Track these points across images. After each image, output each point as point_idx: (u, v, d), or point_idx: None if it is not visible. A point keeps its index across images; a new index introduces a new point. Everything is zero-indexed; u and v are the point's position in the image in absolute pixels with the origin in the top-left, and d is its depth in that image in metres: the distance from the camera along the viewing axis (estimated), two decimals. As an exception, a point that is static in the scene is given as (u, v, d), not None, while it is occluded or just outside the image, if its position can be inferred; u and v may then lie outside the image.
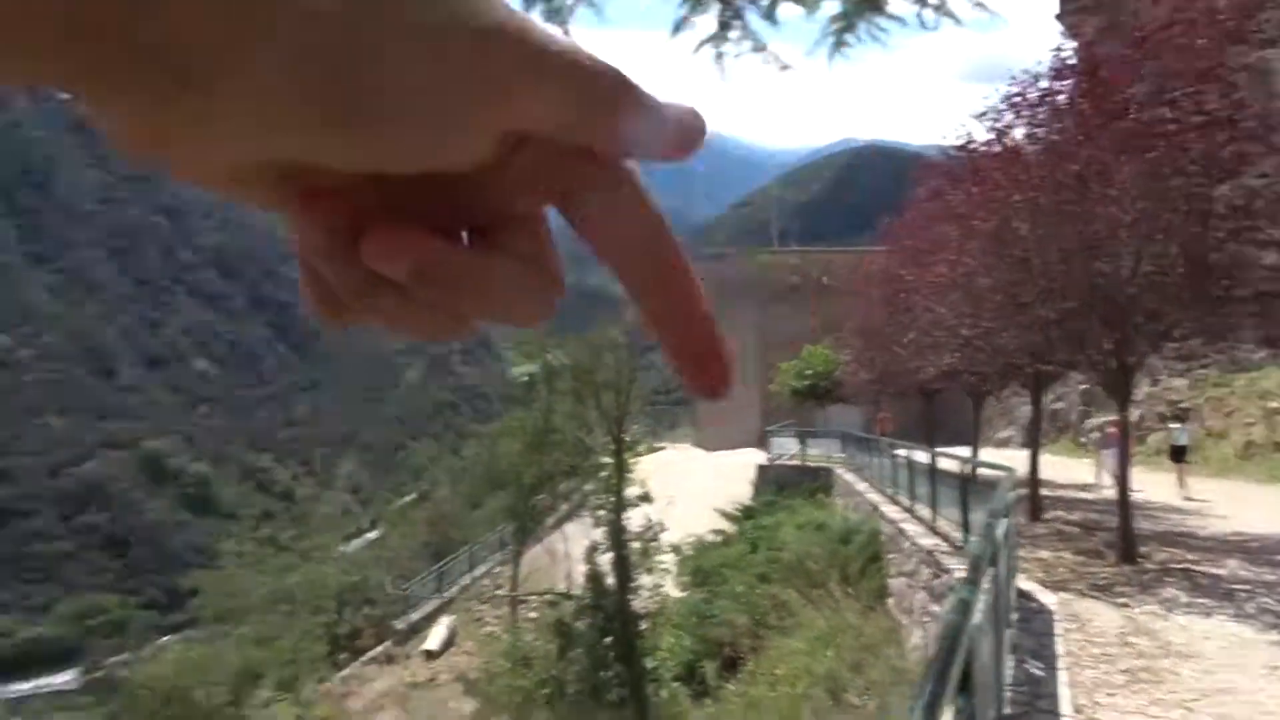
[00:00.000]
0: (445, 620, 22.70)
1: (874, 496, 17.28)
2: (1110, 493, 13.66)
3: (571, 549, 17.96)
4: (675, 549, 17.48)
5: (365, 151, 0.33)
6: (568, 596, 13.64)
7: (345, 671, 20.99)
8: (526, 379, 23.61)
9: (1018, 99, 11.59)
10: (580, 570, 13.77)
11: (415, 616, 23.32)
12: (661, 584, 14.48)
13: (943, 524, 12.24)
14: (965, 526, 10.85)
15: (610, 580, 13.12)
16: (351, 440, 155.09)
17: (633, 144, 0.38)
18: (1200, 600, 8.52)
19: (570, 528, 20.16)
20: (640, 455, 15.66)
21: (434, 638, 21.76)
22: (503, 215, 0.41)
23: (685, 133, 0.39)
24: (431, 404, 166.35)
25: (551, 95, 0.35)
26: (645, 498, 14.98)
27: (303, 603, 24.52)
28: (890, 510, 15.22)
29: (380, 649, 22.21)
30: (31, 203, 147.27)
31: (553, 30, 0.36)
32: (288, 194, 0.37)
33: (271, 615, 24.19)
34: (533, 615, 19.71)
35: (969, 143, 13.07)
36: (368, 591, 25.82)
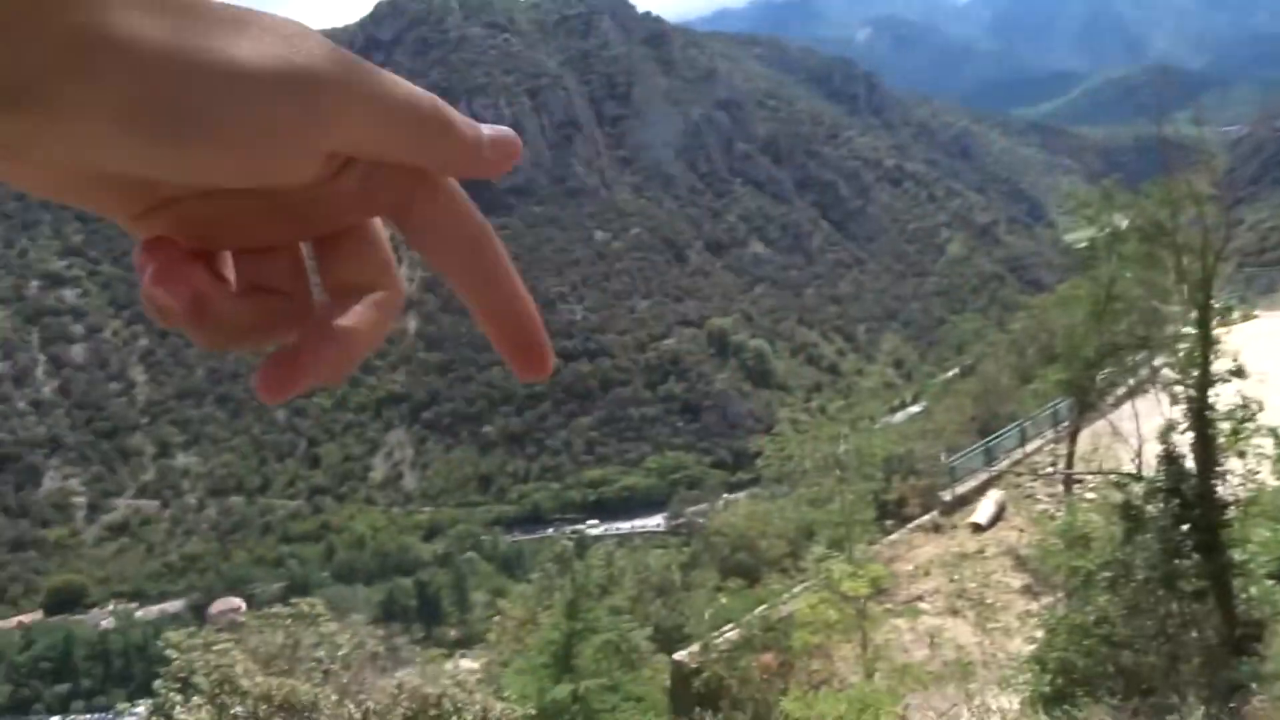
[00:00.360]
0: (993, 494, 22.18)
1: None
2: None
3: (1141, 427, 16.22)
4: (1273, 431, 14.92)
5: (192, 168, 0.35)
6: (1137, 478, 12.34)
7: (893, 536, 21.64)
8: (1085, 244, 21.57)
9: None
10: (1152, 450, 12.35)
11: (961, 489, 23.14)
12: (1257, 470, 12.44)
13: None
14: None
15: (1190, 463, 11.59)
16: (893, 316, 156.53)
17: (451, 166, 0.43)
18: None
19: (1140, 404, 18.21)
20: (1230, 324, 13.39)
21: (982, 511, 21.42)
22: (337, 228, 0.44)
23: (502, 152, 0.44)
24: (977, 277, 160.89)
25: (371, 126, 0.39)
26: (1238, 372, 12.86)
27: (851, 469, 25.68)
28: None
29: (927, 518, 22.47)
30: (615, 111, 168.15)
31: (375, 66, 0.40)
32: (129, 206, 0.39)
33: (824, 479, 25.70)
34: (1090, 495, 18.35)
35: None
36: (913, 462, 26.17)
